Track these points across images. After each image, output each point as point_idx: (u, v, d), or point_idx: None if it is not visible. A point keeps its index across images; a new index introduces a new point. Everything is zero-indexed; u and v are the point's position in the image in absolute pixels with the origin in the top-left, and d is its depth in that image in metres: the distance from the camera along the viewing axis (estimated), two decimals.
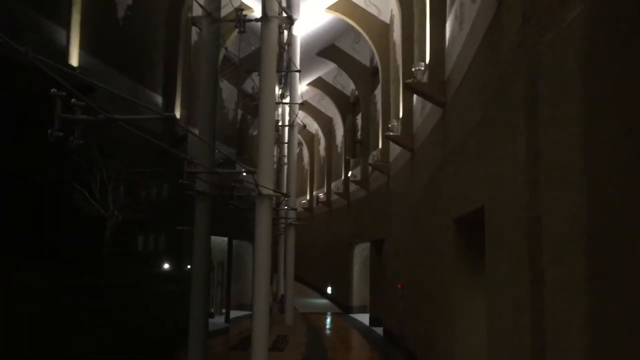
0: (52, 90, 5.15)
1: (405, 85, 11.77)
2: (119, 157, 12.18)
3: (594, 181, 3.74)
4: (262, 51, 11.71)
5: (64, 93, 5.16)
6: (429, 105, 13.59)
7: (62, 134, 5.11)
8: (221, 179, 13.66)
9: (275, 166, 33.79)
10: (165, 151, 9.95)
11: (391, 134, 16.47)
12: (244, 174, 11.62)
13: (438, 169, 12.24)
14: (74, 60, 12.31)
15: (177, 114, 16.42)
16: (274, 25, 11.77)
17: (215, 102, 12.00)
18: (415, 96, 16.37)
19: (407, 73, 17.02)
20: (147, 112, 5.05)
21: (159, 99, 16.28)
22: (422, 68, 11.90)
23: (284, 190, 23.57)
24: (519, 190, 5.69)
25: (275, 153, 32.90)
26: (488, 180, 7.42)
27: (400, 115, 17.71)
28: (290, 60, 21.79)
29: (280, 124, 25.20)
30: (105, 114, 5.05)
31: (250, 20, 12.17)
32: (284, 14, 12.20)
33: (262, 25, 11.83)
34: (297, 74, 20.74)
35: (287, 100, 23.52)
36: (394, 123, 16.88)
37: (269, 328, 11.53)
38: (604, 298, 3.64)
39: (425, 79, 11.94)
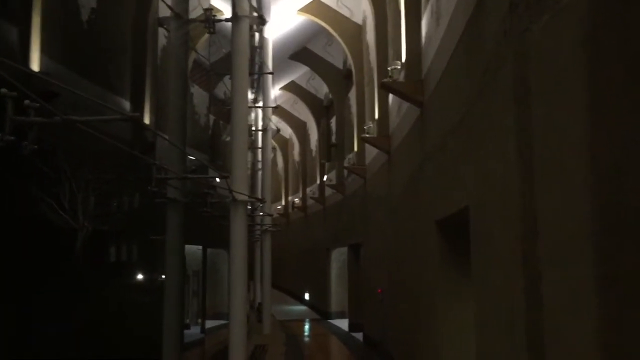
0: (1, 90, 4.68)
1: (382, 85, 11.46)
2: (87, 166, 11.74)
3: (602, 175, 3.42)
4: (233, 52, 11.31)
5: (15, 94, 4.69)
6: (406, 106, 13.29)
7: (13, 137, 4.65)
8: (194, 186, 13.22)
9: (249, 172, 33.36)
10: (134, 158, 9.47)
11: (367, 135, 16.15)
12: (217, 179, 11.19)
13: (417, 170, 11.94)
14: (34, 65, 11.75)
15: (147, 120, 15.89)
16: (244, 25, 11.37)
17: (186, 106, 11.56)
18: (391, 97, 16.10)
19: (383, 73, 16.73)
20: (111, 114, 4.65)
21: (127, 105, 15.74)
22: (399, 67, 11.60)
23: (259, 196, 23.13)
24: (509, 189, 5.37)
25: (249, 158, 32.48)
26: (472, 179, 7.11)
27: (376, 116, 17.42)
28: (263, 63, 21.39)
29: (253, 128, 24.74)
30: (62, 115, 4.60)
31: (220, 20, 11.76)
32: (255, 14, 11.79)
33: (232, 25, 11.42)
34: (270, 77, 20.35)
35: (260, 104, 23.08)
36: (370, 125, 16.58)
37: (246, 338, 11.10)
38: (616, 303, 3.31)
39: (401, 78, 11.63)
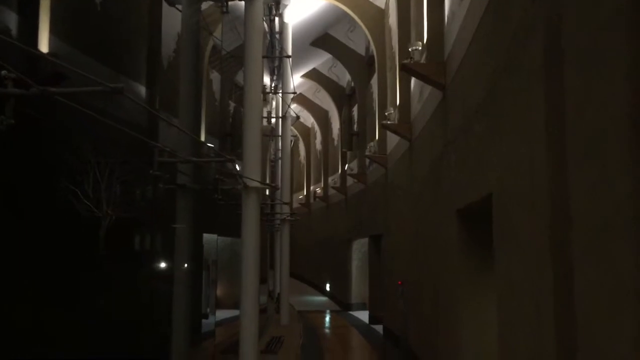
0: None
1: (402, 67, 10.88)
2: (110, 153, 11.60)
3: None
4: (246, 32, 10.83)
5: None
6: (428, 90, 12.70)
7: None
8: (209, 173, 12.84)
9: (271, 162, 32.91)
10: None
11: (388, 122, 15.57)
12: (237, 167, 10.75)
13: (439, 157, 11.36)
14: (43, 46, 11.39)
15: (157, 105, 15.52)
16: (258, 3, 10.87)
17: (198, 90, 11.11)
18: (412, 82, 15.50)
19: (404, 57, 16.12)
20: (94, 85, 4.24)
21: (142, 90, 15.36)
22: (420, 48, 11.00)
23: (279, 185, 22.71)
24: (537, 173, 4.81)
25: (271, 148, 31.99)
26: (496, 163, 6.54)
27: (398, 103, 16.82)
28: (282, 49, 20.87)
29: (273, 116, 24.29)
30: (38, 87, 4.15)
31: (234, 0, 11.26)
32: None
33: (245, 4, 10.94)
34: (289, 63, 19.80)
35: (280, 91, 22.59)
36: (391, 111, 15.99)
37: (258, 330, 10.68)
38: None
39: (423, 59, 11.04)
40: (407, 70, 10.88)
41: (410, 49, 11.05)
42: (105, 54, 13.67)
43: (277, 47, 21.93)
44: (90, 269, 12.83)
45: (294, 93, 20.79)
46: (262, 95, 19.42)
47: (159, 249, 17.65)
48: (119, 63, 14.36)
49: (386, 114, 16.07)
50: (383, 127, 16.25)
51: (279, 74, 24.12)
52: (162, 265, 17.05)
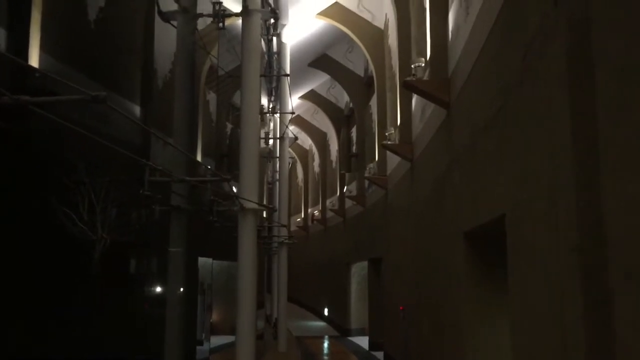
0: None
1: (404, 84, 10.52)
2: (105, 176, 11.26)
3: None
4: (243, 48, 10.47)
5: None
6: (430, 109, 12.34)
7: None
8: (204, 194, 12.44)
9: (269, 184, 32.49)
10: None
11: (388, 142, 15.19)
12: (234, 189, 10.34)
13: (442, 178, 10.95)
14: (33, 62, 11.03)
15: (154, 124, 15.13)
16: (255, 19, 10.54)
17: (193, 107, 10.72)
18: (414, 101, 15.15)
19: (405, 76, 15.80)
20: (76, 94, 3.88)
21: (137, 109, 14.99)
22: (422, 64, 10.66)
23: (276, 207, 22.25)
24: (560, 189, 4.38)
25: (268, 170, 31.58)
26: (509, 182, 6.12)
27: (398, 123, 16.46)
28: (281, 69, 20.56)
29: (271, 136, 23.92)
30: (10, 95, 3.74)
31: (231, 15, 10.93)
32: (268, 8, 10.96)
33: (242, 20, 10.60)
34: (287, 84, 19.46)
35: (277, 111, 22.25)
36: (391, 131, 15.62)
37: (255, 358, 10.14)
38: None
39: (426, 76, 10.68)
40: (410, 88, 10.52)
41: (412, 66, 10.71)
42: (97, 71, 13.32)
43: (274, 67, 21.66)
44: (83, 293, 12.42)
45: (292, 113, 20.42)
46: (259, 115, 19.09)
47: (154, 273, 17.17)
48: (111, 81, 14.01)
49: (386, 134, 15.70)
50: (383, 148, 15.86)
51: (276, 95, 23.79)
52: (157, 289, 16.57)
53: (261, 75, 17.21)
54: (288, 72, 19.50)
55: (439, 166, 11.28)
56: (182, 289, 10.39)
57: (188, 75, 10.61)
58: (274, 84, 24.21)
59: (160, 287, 15.91)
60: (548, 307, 4.77)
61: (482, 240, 8.68)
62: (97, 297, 12.79)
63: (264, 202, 26.32)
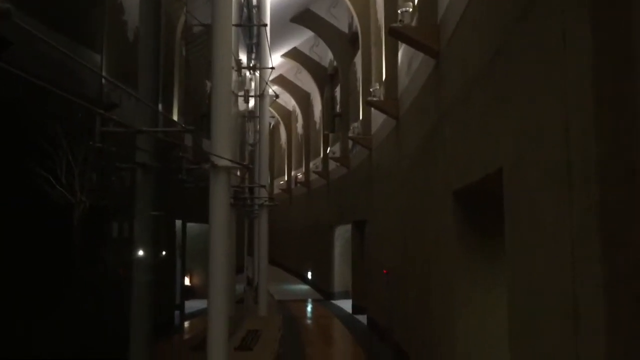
0: None
1: (390, 32, 9.68)
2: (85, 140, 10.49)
3: None
4: None
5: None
6: (418, 60, 11.54)
7: None
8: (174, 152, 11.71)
9: (250, 146, 31.54)
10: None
11: (373, 98, 14.39)
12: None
13: (430, 135, 10.22)
14: None
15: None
16: None
17: (158, 55, 9.80)
18: (400, 54, 14.32)
19: (392, 24, 14.92)
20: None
21: (99, 60, 13.98)
22: (410, 10, 9.81)
23: (257, 168, 21.47)
24: (577, 137, 3.65)
25: (249, 131, 30.63)
26: (509, 132, 5.39)
27: (384, 79, 15.64)
28: (260, 21, 19.48)
29: (251, 94, 22.92)
30: None
31: None
32: None
33: None
34: (267, 37, 18.37)
35: (256, 67, 21.24)
36: (376, 87, 14.80)
37: (228, 326, 9.49)
38: None
39: (414, 23, 9.85)
40: (396, 35, 9.69)
41: (399, 11, 9.85)
42: (62, 22, 12.32)
43: (254, 20, 20.59)
44: (63, 257, 11.77)
45: (272, 68, 19.42)
46: (234, 65, 18.11)
47: (136, 237, 16.43)
48: (76, 32, 13.00)
49: (371, 89, 14.90)
50: (368, 105, 15.07)
51: (257, 52, 22.75)
52: (138, 253, 15.85)
53: (237, 25, 16.24)
54: (267, 21, 18.43)
55: (427, 122, 10.54)
56: (151, 253, 9.69)
57: (152, 24, 9.69)
58: (254, 40, 23.15)
59: (131, 251, 15.20)
60: (554, 273, 4.09)
61: (474, 199, 8.01)
62: (75, 265, 12.12)
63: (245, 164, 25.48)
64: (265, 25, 16.99)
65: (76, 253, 12.07)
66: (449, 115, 8.65)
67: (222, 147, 9.27)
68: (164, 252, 16.55)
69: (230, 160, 9.30)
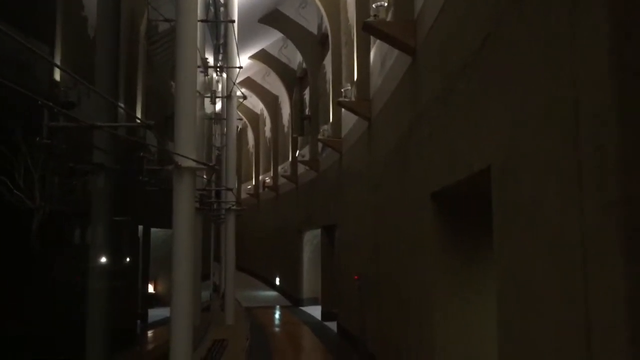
0: None
1: (364, 27, 9.23)
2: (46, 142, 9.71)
3: None
4: None
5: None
6: (392, 59, 11.14)
7: None
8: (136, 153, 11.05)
9: (217, 149, 30.80)
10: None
11: (345, 99, 13.94)
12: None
13: (406, 134, 9.78)
14: None
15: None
16: None
17: (116, 52, 9.21)
18: (372, 54, 13.91)
19: (364, 20, 14.50)
20: None
21: (58, 58, 13.20)
22: (385, 3, 9.37)
23: (223, 173, 20.83)
24: (590, 125, 3.22)
25: (216, 134, 29.90)
26: (499, 126, 4.96)
27: (355, 79, 15.20)
28: (228, 15, 18.90)
29: (218, 95, 22.29)
30: None
31: None
32: None
33: None
34: (234, 34, 17.79)
35: (223, 67, 20.61)
36: (348, 87, 14.35)
37: (192, 339, 8.91)
38: None
39: (389, 18, 9.42)
40: (370, 31, 9.24)
41: (373, 5, 9.40)
42: (13, 15, 11.55)
43: (221, 17, 20.01)
44: (22, 265, 11.01)
45: (240, 67, 18.82)
46: (200, 64, 17.45)
47: (97, 243, 15.63)
48: (28, 25, 12.23)
49: (342, 90, 14.43)
50: (339, 105, 14.60)
51: (224, 52, 22.14)
52: (101, 260, 15.07)
53: (203, 20, 15.64)
54: (235, 17, 17.83)
55: (402, 123, 10.11)
56: (109, 260, 9.06)
57: (110, 17, 9.09)
58: (221, 40, 22.57)
59: (87, 258, 14.47)
60: (560, 283, 3.64)
61: (454, 201, 7.59)
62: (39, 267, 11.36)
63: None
64: (233, 21, 16.39)
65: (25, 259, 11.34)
66: (426, 114, 8.22)
67: (186, 147, 8.71)
68: (124, 259, 15.77)
69: (195, 161, 8.73)
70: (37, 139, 5.76)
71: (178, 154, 8.43)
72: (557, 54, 3.70)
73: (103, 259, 8.88)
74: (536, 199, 4.08)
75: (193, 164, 8.67)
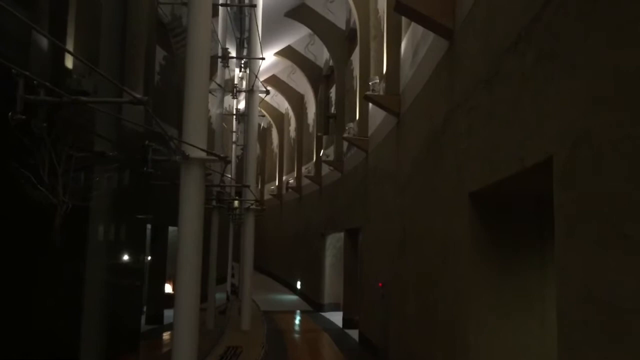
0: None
1: (397, 7, 8.30)
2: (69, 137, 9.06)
3: None
4: None
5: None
6: (425, 47, 10.20)
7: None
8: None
9: (240, 148, 30.07)
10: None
11: (372, 93, 13.00)
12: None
13: (439, 130, 8.82)
14: None
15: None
16: None
17: (124, 33, 8.41)
18: (403, 46, 12.96)
19: (394, 17, 13.59)
20: None
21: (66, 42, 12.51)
22: None
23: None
24: None
25: (238, 132, 29.16)
26: (568, 106, 3.99)
27: (384, 72, 14.26)
28: (252, 15, 18.10)
29: (241, 88, 21.51)
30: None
31: None
32: None
33: None
34: (256, 21, 16.87)
35: (246, 63, 19.81)
36: (376, 80, 13.41)
37: (197, 344, 8.05)
38: None
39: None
40: (403, 11, 8.31)
41: None
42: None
43: (246, 14, 19.23)
44: (43, 260, 10.38)
45: (262, 59, 17.97)
46: (220, 54, 16.66)
47: (117, 240, 14.96)
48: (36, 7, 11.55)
49: (370, 83, 13.50)
50: (366, 99, 13.66)
51: (248, 47, 21.34)
52: (119, 257, 14.41)
53: (222, 5, 14.83)
54: (260, 22, 16.96)
55: (435, 116, 9.15)
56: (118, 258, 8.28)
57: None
58: (245, 35, 21.81)
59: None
60: None
61: (497, 202, 6.61)
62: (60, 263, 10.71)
63: (232, 174, 23.94)
64: (254, 5, 15.53)
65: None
66: (464, 105, 7.26)
67: (195, 136, 7.86)
68: (132, 258, 15.03)
69: (206, 151, 7.89)
70: (10, 113, 4.94)
71: (187, 143, 7.59)
72: None
73: (109, 257, 8.10)
74: (617, 195, 3.11)
75: (203, 155, 7.82)
